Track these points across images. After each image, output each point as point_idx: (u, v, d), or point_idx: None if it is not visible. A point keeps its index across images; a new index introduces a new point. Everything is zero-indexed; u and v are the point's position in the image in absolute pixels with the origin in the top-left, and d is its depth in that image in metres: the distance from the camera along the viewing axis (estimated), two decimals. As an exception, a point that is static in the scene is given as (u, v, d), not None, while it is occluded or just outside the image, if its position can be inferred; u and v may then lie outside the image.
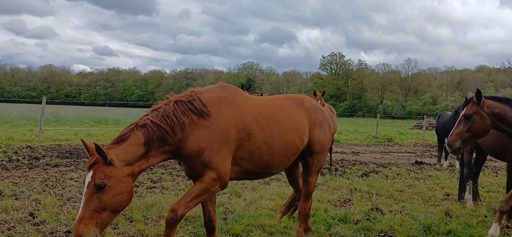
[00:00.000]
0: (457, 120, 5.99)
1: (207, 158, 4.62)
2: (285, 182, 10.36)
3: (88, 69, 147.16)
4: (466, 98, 6.34)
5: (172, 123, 4.51)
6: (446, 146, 5.85)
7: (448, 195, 9.68)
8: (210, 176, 4.65)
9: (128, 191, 4.23)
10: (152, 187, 9.31)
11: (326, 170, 12.86)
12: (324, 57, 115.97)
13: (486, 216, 7.73)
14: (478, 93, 5.83)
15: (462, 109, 6.03)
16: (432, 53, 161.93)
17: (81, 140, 4.49)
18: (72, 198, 7.94)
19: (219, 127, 4.73)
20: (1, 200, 7.51)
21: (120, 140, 4.35)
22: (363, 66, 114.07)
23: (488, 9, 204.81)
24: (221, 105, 4.87)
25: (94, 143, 4.05)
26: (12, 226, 6.14)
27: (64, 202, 7.65)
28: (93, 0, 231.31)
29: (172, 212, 4.50)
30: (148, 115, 4.60)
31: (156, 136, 4.43)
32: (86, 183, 4.07)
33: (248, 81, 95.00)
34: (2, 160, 11.97)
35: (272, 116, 5.26)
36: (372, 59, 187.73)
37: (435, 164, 15.57)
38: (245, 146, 4.94)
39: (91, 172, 4.08)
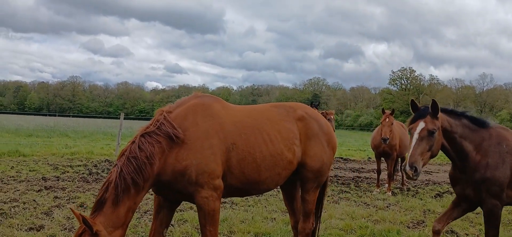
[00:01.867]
0: (416, 138, 4.84)
1: (193, 175, 4.31)
2: (355, 202, 10.22)
3: (160, 86, 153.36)
4: (413, 108, 5.08)
5: (138, 164, 4.16)
6: (406, 169, 4.67)
7: (531, 220, 9.11)
8: (201, 196, 4.38)
9: None
10: (223, 202, 9.44)
11: (398, 190, 12.52)
12: (394, 72, 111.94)
13: None
14: (435, 105, 4.84)
15: (412, 123, 5.00)
16: (506, 68, 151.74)
17: (70, 209, 4.32)
18: (149, 211, 8.27)
19: (199, 139, 4.40)
20: (84, 211, 8.00)
21: (101, 203, 4.07)
22: (435, 82, 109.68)
23: None
24: (196, 116, 4.53)
25: (81, 215, 3.89)
26: (95, 237, 6.52)
27: (141, 214, 8.01)
28: (165, 21, 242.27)
29: None
30: (116, 164, 4.23)
31: (128, 186, 4.12)
32: None
33: (315, 97, 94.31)
34: (83, 173, 12.69)
35: (254, 125, 4.82)
36: (442, 74, 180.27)
37: (515, 186, 14.65)
38: (229, 157, 4.54)
39: None
